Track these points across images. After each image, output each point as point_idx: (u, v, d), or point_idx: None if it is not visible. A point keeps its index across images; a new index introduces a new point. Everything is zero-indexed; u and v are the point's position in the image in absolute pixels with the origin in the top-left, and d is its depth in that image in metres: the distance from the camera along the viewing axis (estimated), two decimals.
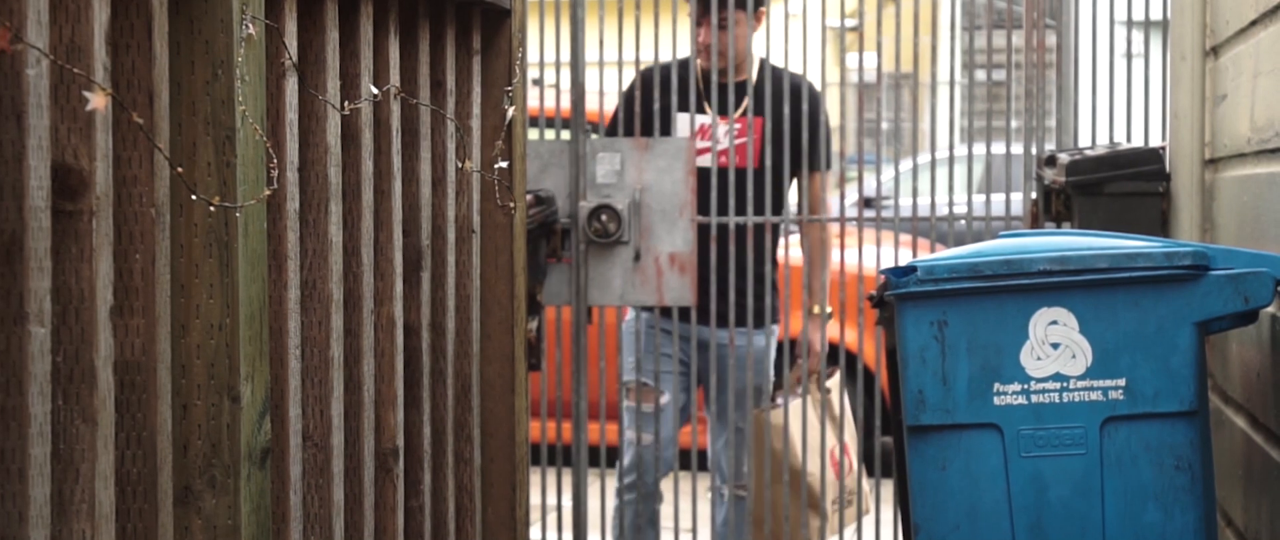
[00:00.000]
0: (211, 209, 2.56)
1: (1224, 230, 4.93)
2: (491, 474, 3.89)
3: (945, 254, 4.20)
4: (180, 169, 2.50)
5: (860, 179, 9.14)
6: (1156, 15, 8.60)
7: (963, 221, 8.04)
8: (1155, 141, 7.14)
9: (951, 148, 9.33)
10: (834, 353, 8.19)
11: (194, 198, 2.54)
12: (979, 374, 4.11)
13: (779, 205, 6.38)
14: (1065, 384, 4.07)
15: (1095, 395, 4.06)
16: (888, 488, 7.94)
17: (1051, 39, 12.02)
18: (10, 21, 2.10)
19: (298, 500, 2.96)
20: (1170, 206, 5.32)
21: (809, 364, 6.30)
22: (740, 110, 6.27)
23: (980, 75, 13.79)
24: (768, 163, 6.26)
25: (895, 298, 4.16)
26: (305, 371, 3.04)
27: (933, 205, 7.51)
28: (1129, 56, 8.86)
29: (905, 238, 8.79)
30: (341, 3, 3.18)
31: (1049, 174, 5.60)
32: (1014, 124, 7.53)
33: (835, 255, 8.03)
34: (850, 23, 14.70)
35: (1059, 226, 5.76)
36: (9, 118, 2.16)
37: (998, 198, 8.96)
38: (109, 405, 2.37)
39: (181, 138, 2.64)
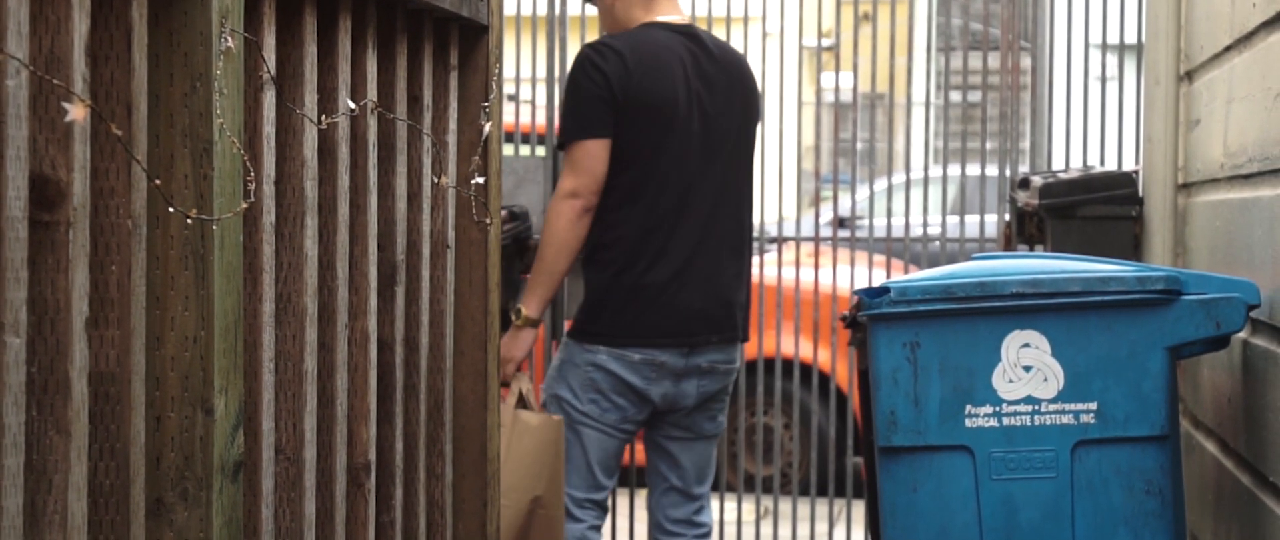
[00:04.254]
0: (188, 221, 2.56)
1: (1196, 255, 4.95)
2: (463, 490, 3.89)
3: (918, 275, 4.22)
4: (158, 181, 2.50)
5: (835, 198, 9.19)
6: (1131, 39, 8.64)
7: (936, 243, 8.06)
8: (1128, 165, 7.17)
9: (926, 168, 9.34)
10: (805, 372, 8.20)
11: (171, 210, 2.53)
12: (951, 396, 4.12)
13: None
14: (1037, 407, 4.08)
15: (1067, 419, 4.07)
16: (859, 509, 7.95)
17: (1026, 61, 12.08)
18: None
19: (269, 514, 2.96)
20: (1143, 230, 5.34)
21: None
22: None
23: (955, 96, 13.84)
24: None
25: (868, 318, 4.17)
26: (279, 385, 3.04)
27: (906, 226, 7.53)
28: (1103, 80, 8.90)
29: (878, 258, 8.80)
30: (320, 17, 3.18)
31: (1022, 196, 5.62)
32: (988, 146, 7.54)
33: (807, 275, 8.03)
34: (826, 42, 14.73)
35: (1032, 249, 5.78)
36: None
37: (972, 219, 8.97)
38: (83, 417, 2.37)
39: (159, 150, 2.64)
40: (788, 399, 8.27)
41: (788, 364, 8.18)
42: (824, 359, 8.36)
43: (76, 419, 2.35)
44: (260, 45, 2.89)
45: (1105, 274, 4.06)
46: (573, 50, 6.28)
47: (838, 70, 14.07)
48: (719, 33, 8.94)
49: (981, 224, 7.01)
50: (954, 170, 11.40)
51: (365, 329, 3.38)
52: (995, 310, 4.08)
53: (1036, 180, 5.51)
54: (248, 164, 2.71)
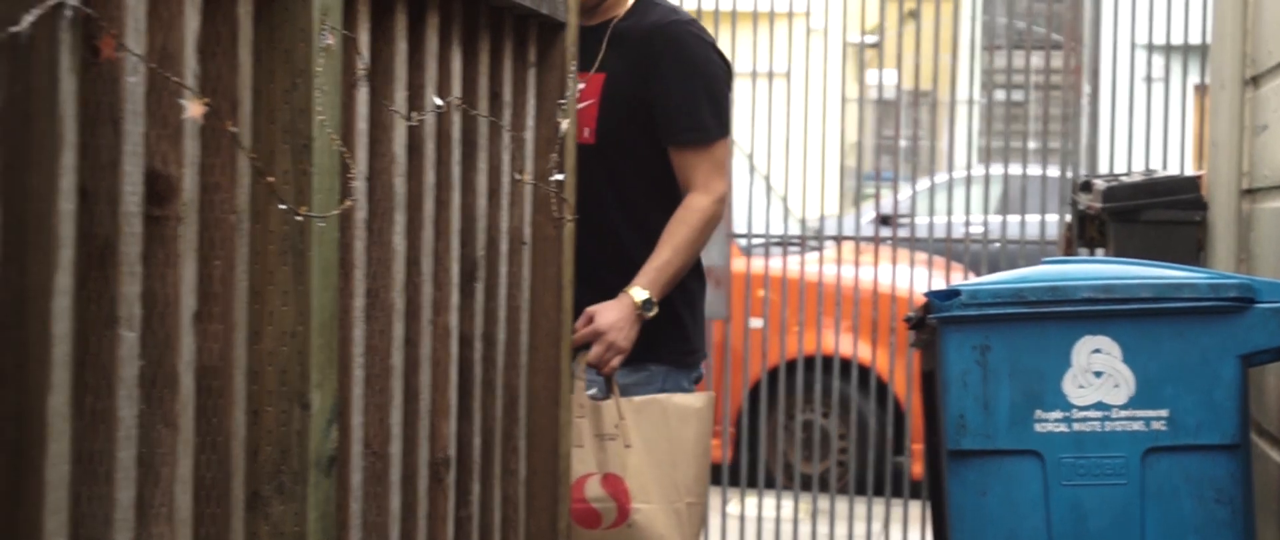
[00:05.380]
0: (297, 218, 2.57)
1: (1261, 261, 4.94)
2: (534, 486, 3.90)
3: (989, 278, 4.22)
4: (271, 178, 2.51)
5: (877, 196, 9.16)
6: (1177, 40, 8.61)
7: (995, 244, 8.05)
8: (1173, 168, 7.15)
9: (969, 167, 9.33)
10: (852, 369, 8.20)
11: (281, 207, 2.55)
12: (1021, 400, 4.12)
13: (639, 193, 4.58)
14: (1107, 413, 4.08)
15: (1137, 425, 4.07)
16: (898, 508, 7.94)
17: (1075, 62, 11.94)
18: (114, 29, 2.12)
19: (357, 508, 2.97)
20: (1206, 236, 5.34)
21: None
22: (597, 65, 4.50)
23: (1000, 95, 13.81)
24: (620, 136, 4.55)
25: (938, 321, 4.17)
26: (367, 379, 3.06)
27: (961, 224, 7.52)
28: (1149, 81, 8.87)
29: (924, 257, 8.78)
30: (409, 14, 3.19)
31: (1085, 199, 5.62)
32: (1044, 145, 7.54)
33: (850, 273, 8.03)
34: (871, 39, 14.71)
35: (1092, 252, 5.78)
36: (106, 124, 2.18)
37: (1017, 219, 8.95)
38: (190, 410, 2.39)
39: (259, 146, 2.65)
40: (832, 395, 8.27)
41: (829, 360, 8.17)
42: (870, 356, 8.35)
43: (184, 412, 2.37)
44: (356, 42, 2.91)
45: (1178, 280, 4.07)
46: (726, 45, 6.25)
47: (882, 67, 14.04)
48: (763, 28, 8.94)
49: (1037, 224, 7.00)
50: (999, 169, 11.36)
51: (447, 324, 3.39)
52: (1066, 315, 4.09)
53: (1099, 183, 5.51)
54: (348, 160, 2.72)
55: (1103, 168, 11.12)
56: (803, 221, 9.36)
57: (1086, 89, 9.85)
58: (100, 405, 2.18)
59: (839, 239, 8.34)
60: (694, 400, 4.31)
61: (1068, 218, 6.28)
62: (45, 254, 1.95)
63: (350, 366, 2.95)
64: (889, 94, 14.63)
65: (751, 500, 8.10)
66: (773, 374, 8.32)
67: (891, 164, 13.67)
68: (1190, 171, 6.44)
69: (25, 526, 1.94)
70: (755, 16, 8.62)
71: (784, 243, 8.43)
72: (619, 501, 4.34)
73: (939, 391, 4.19)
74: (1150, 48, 9.79)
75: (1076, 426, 4.08)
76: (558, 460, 3.94)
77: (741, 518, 7.84)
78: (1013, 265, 9.52)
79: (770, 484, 8.17)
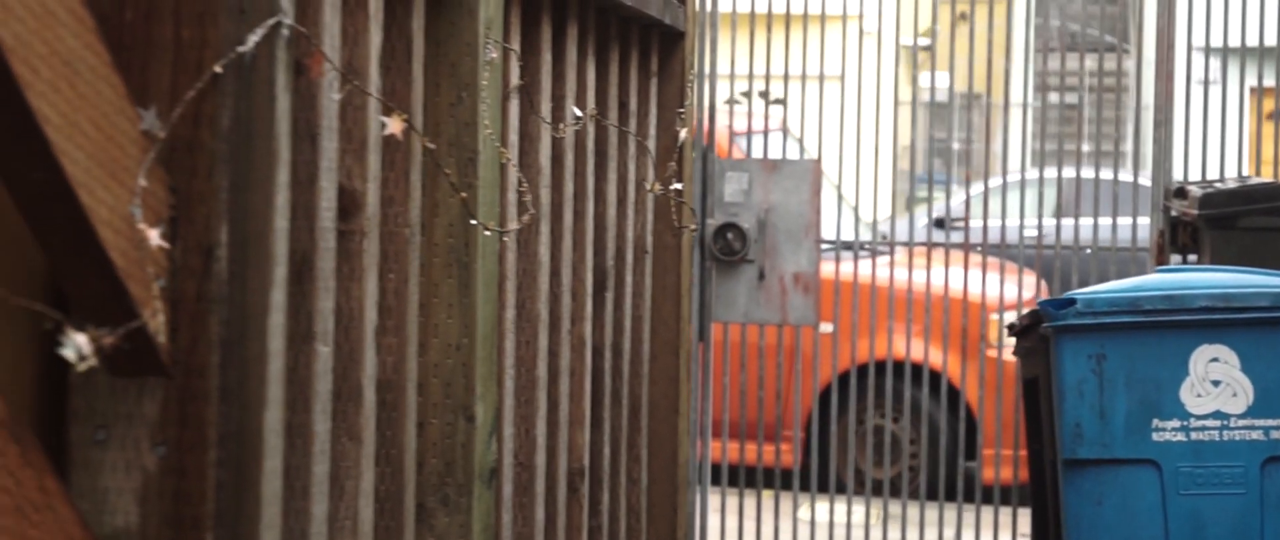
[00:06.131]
0: (486, 233, 2.58)
1: None
2: (654, 495, 3.91)
3: (1104, 287, 4.22)
4: (464, 194, 2.52)
5: (929, 199, 9.13)
6: (1234, 41, 8.58)
7: (1054, 249, 8.02)
8: (1231, 171, 7.12)
9: (1024, 170, 9.28)
10: (924, 374, 8.18)
11: (472, 222, 2.56)
12: (1137, 409, 4.11)
13: None
14: (1225, 422, 4.07)
15: (1256, 435, 4.06)
16: (970, 513, 7.92)
17: (1128, 64, 11.90)
18: (315, 47, 2.13)
19: (508, 519, 2.98)
20: None
21: None
22: None
23: (1054, 97, 13.77)
24: None
25: (1052, 330, 4.17)
26: (517, 391, 3.07)
27: (1031, 228, 7.50)
28: (1206, 83, 8.85)
29: (987, 259, 8.75)
30: (553, 24, 3.20)
31: (1179, 206, 5.60)
32: (1098, 148, 7.53)
33: (921, 278, 8.02)
34: (923, 42, 14.69)
35: (1185, 259, 5.77)
36: (304, 140, 2.19)
37: (1082, 222, 8.91)
38: (371, 424, 2.40)
39: (425, 159, 2.66)
40: (904, 401, 8.26)
41: (899, 365, 8.16)
42: (939, 361, 8.33)
43: (367, 426, 2.38)
44: (517, 55, 2.92)
45: None
46: (780, 47, 6.26)
47: (934, 69, 14.02)
48: (814, 31, 8.92)
49: (1134, 228, 6.97)
50: (1060, 172, 11.29)
51: (582, 334, 3.40)
52: (1183, 324, 4.08)
53: (1194, 190, 5.49)
54: (522, 178, 2.73)
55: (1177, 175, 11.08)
56: (873, 226, 9.37)
57: (1128, 88, 9.81)
58: (297, 420, 2.19)
59: (910, 244, 8.33)
60: None
61: (1159, 225, 6.26)
62: (262, 271, 1.96)
63: (502, 378, 2.96)
64: (940, 97, 14.61)
65: (822, 506, 8.09)
66: (843, 379, 8.31)
67: (943, 167, 13.64)
68: (1248, 175, 6.42)
69: None
70: (806, 19, 8.61)
71: (853, 248, 8.42)
72: None
73: (1053, 400, 4.18)
74: (1207, 50, 9.76)
75: (1194, 436, 4.07)
76: (676, 468, 3.94)
77: (811, 523, 7.84)
78: (1083, 270, 9.50)
79: (840, 489, 8.16)
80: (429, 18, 2.67)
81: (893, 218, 8.82)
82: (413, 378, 2.57)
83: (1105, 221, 7.94)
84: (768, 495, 7.64)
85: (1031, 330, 4.39)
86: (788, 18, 8.63)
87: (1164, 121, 6.58)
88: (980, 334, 7.73)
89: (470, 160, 2.69)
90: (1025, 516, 7.97)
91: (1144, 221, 10.36)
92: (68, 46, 1.68)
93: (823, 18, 8.51)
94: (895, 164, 9.32)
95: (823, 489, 8.26)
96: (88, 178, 1.70)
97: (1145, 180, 10.79)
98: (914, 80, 12.90)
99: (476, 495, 2.71)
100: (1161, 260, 5.78)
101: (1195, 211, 5.36)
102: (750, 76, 7.36)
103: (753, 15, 8.36)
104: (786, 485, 7.77)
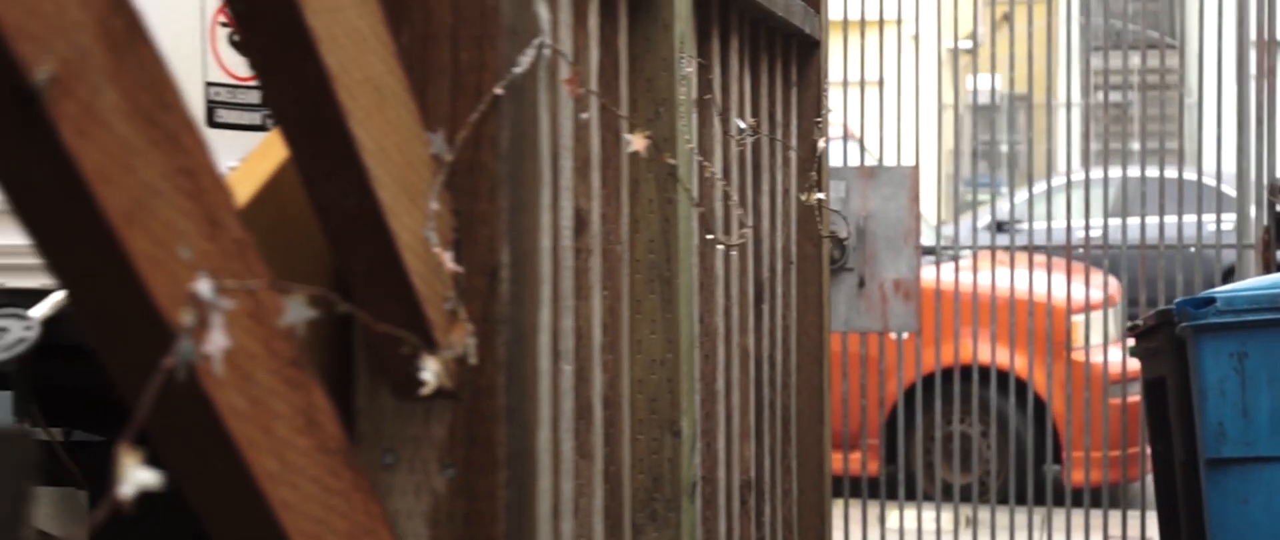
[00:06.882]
0: (722, 249, 2.58)
1: None
2: (802, 506, 3.91)
3: (1242, 285, 4.21)
4: (701, 208, 2.52)
5: (974, 201, 9.08)
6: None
7: (1137, 248, 8.02)
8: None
9: (1079, 170, 9.25)
10: (1002, 380, 8.18)
11: (707, 238, 2.56)
12: None
13: None
14: None
15: None
16: (1058, 517, 7.91)
17: (1172, 60, 11.91)
18: (574, 67, 2.13)
19: (698, 535, 2.98)
20: None
21: None
22: None
23: (1101, 97, 13.75)
24: None
25: (1190, 330, 4.16)
26: (701, 404, 3.06)
27: (1097, 228, 7.49)
28: (1259, 77, 8.83)
29: (1053, 260, 8.74)
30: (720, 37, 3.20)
31: None
32: (1144, 145, 7.51)
33: (994, 281, 8.01)
34: (966, 45, 14.67)
35: None
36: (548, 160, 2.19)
37: (1138, 221, 8.90)
38: (600, 441, 2.40)
39: (640, 175, 2.66)
40: (985, 407, 8.25)
41: (984, 371, 8.16)
42: (1021, 366, 8.33)
43: (597, 443, 2.38)
44: (709, 70, 2.92)
45: None
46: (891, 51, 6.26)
47: (975, 72, 14.01)
48: (854, 37, 8.91)
49: (1169, 225, 6.96)
50: (1115, 171, 11.30)
51: (745, 346, 3.40)
52: None
53: None
54: (728, 191, 2.73)
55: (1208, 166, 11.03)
56: (937, 229, 9.36)
57: (1174, 84, 9.80)
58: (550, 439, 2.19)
59: (975, 248, 8.33)
60: None
61: (1264, 221, 6.25)
62: (533, 291, 1.96)
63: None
64: (984, 99, 14.60)
65: (909, 513, 8.08)
66: (927, 381, 8.31)
67: (988, 169, 13.63)
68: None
69: None
70: (846, 25, 8.61)
71: (934, 253, 8.42)
72: None
73: (1192, 400, 4.18)
74: (1262, 43, 9.73)
75: None
76: (822, 480, 3.94)
77: (901, 530, 7.83)
78: (1151, 268, 9.48)
79: (911, 496, 8.15)
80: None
81: (955, 222, 8.82)
82: (627, 394, 2.57)
83: (1171, 219, 7.93)
84: (839, 503, 7.63)
85: (1157, 331, 4.38)
86: (826, 24, 8.65)
87: (1264, 118, 6.55)
88: (1064, 338, 7.72)
89: (670, 175, 2.69)
90: (1114, 518, 7.97)
91: (1208, 218, 10.35)
92: (376, 72, 1.68)
93: (862, 23, 8.52)
94: (941, 168, 9.30)
95: (892, 496, 8.24)
96: (396, 204, 1.70)
97: (1208, 178, 10.77)
98: (955, 83, 12.86)
99: (684, 509, 2.71)
100: (1268, 257, 5.77)
101: None
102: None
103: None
104: (873, 493, 7.75)
